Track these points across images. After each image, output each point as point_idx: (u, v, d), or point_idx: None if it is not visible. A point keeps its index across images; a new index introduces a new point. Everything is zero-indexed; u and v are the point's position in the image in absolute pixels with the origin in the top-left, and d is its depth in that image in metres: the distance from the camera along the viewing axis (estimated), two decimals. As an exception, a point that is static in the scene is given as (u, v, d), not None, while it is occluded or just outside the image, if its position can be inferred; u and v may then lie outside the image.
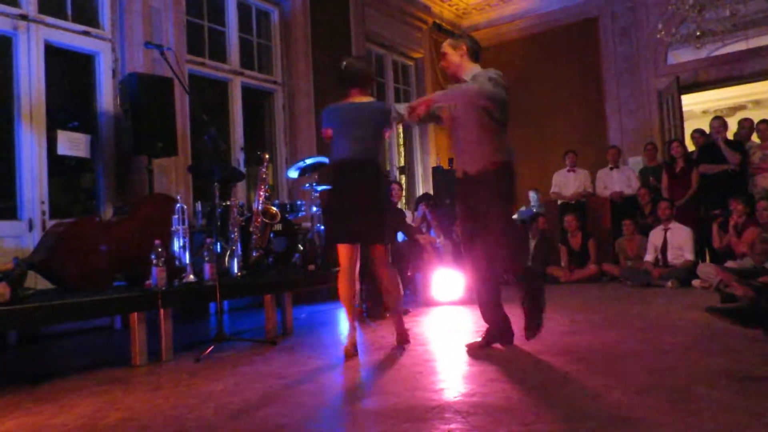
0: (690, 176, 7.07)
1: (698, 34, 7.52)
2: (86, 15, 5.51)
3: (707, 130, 7.50)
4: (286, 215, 5.22)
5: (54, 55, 5.22)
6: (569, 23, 9.78)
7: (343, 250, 3.45)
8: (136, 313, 3.44)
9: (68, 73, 5.61)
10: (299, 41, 7.33)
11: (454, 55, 3.47)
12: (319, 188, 5.87)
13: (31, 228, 4.85)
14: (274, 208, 4.83)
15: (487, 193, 3.30)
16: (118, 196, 5.43)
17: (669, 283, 6.29)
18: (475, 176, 3.35)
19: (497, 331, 3.44)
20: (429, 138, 9.72)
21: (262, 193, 4.70)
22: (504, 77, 3.33)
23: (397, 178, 9.16)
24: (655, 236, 6.84)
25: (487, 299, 3.44)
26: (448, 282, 5.78)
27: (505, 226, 3.37)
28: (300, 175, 5.84)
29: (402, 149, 9.56)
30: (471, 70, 3.44)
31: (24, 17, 4.97)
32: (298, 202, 5.64)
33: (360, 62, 3.70)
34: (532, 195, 9.33)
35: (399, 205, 6.95)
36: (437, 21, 10.03)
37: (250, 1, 7.10)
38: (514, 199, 3.51)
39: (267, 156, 4.86)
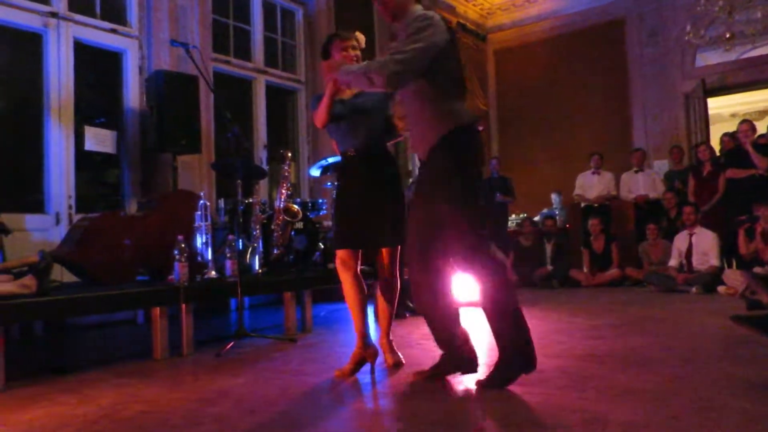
0: (717, 180, 6.95)
1: (728, 36, 7.37)
2: (114, 13, 5.60)
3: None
4: (308, 213, 5.24)
5: (82, 52, 5.31)
6: (595, 24, 9.67)
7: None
8: (158, 308, 3.49)
9: (96, 70, 5.70)
10: (323, 40, 7.35)
11: None
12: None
13: (58, 221, 4.94)
14: (296, 206, 4.85)
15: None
16: (142, 191, 5.51)
17: (693, 289, 6.19)
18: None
19: (456, 357, 2.69)
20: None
21: (284, 191, 4.72)
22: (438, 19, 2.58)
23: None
24: (680, 241, 6.73)
25: (443, 313, 2.69)
26: (464, 283, 5.75)
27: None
28: (322, 173, 5.85)
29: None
30: (412, 14, 2.60)
31: (54, 15, 5.07)
32: (320, 201, 5.66)
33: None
34: (554, 197, 9.25)
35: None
36: (461, 21, 9.98)
37: (274, 0, 7.15)
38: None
39: (289, 154, 4.88)
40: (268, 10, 7.08)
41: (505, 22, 10.58)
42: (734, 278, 5.79)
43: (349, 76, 2.65)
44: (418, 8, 2.65)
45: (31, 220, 4.82)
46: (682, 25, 8.41)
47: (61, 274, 4.19)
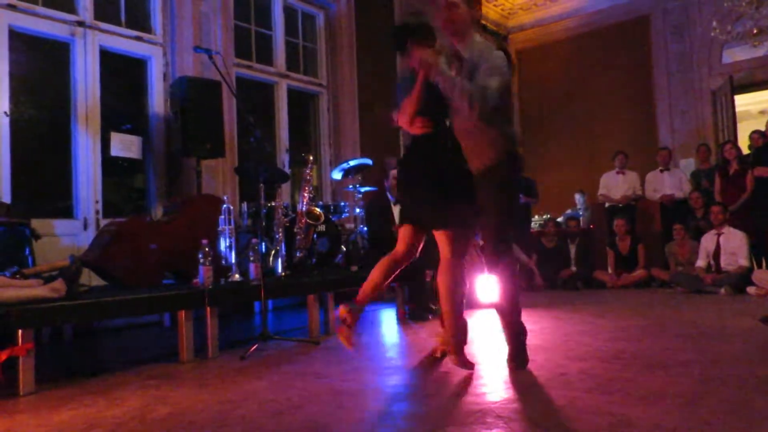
0: (744, 179, 6.83)
1: (755, 31, 7.24)
2: (139, 21, 5.69)
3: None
4: (330, 216, 5.26)
5: (108, 59, 5.41)
6: (619, 22, 9.56)
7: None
8: (183, 311, 3.53)
9: (121, 77, 5.80)
10: (344, 44, 7.40)
11: (468, 14, 2.90)
12: (363, 189, 5.90)
13: (85, 226, 5.03)
14: (318, 209, 4.88)
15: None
16: (167, 196, 5.58)
17: (722, 290, 6.08)
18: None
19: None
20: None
21: (306, 194, 4.75)
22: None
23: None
24: (708, 241, 6.62)
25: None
26: (492, 284, 5.72)
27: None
28: (344, 176, 5.89)
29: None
30: (474, 39, 2.90)
31: (81, 24, 5.17)
32: (342, 204, 5.69)
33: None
34: (577, 197, 9.16)
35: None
36: (482, 21, 9.94)
37: (296, 5, 7.20)
38: None
39: (311, 157, 4.92)
40: (290, 15, 7.14)
41: (526, 21, 10.51)
42: (764, 278, 5.68)
43: (441, 79, 2.70)
44: (478, 36, 2.94)
45: (60, 225, 4.92)
46: (708, 21, 8.27)
47: (89, 278, 4.27)
